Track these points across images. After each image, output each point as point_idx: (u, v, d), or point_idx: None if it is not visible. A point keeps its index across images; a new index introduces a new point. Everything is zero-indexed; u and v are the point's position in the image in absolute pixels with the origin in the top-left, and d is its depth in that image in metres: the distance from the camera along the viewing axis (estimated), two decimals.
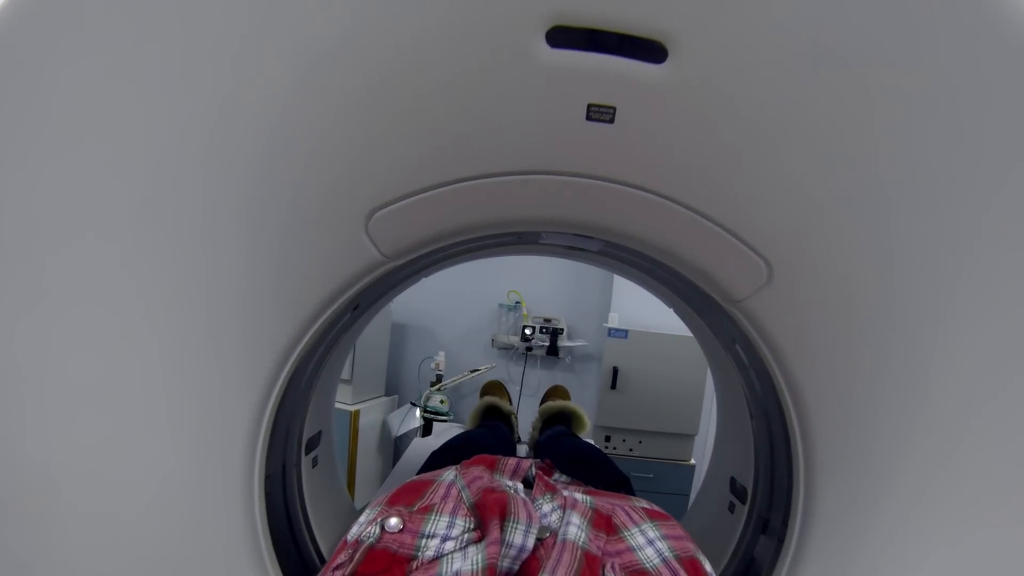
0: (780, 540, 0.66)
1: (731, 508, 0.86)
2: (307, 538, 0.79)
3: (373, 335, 2.33)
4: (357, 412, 2.22)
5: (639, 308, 2.25)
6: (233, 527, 0.56)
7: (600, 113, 0.46)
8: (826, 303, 0.53)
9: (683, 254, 0.56)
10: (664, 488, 2.04)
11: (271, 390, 0.59)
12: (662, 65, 0.43)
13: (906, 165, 0.44)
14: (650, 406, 2.03)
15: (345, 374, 2.22)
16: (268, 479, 0.66)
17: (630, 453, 2.07)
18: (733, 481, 0.87)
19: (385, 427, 2.44)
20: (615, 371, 2.02)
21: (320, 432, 0.85)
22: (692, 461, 2.11)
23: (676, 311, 0.99)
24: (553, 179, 0.50)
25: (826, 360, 0.55)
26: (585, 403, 2.33)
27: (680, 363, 2.01)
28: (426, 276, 0.86)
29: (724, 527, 0.85)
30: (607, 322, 2.24)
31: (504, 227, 0.56)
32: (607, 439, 2.07)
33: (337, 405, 2.23)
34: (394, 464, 2.49)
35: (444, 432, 1.86)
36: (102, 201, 0.44)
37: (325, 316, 0.59)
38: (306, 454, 0.79)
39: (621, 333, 2.04)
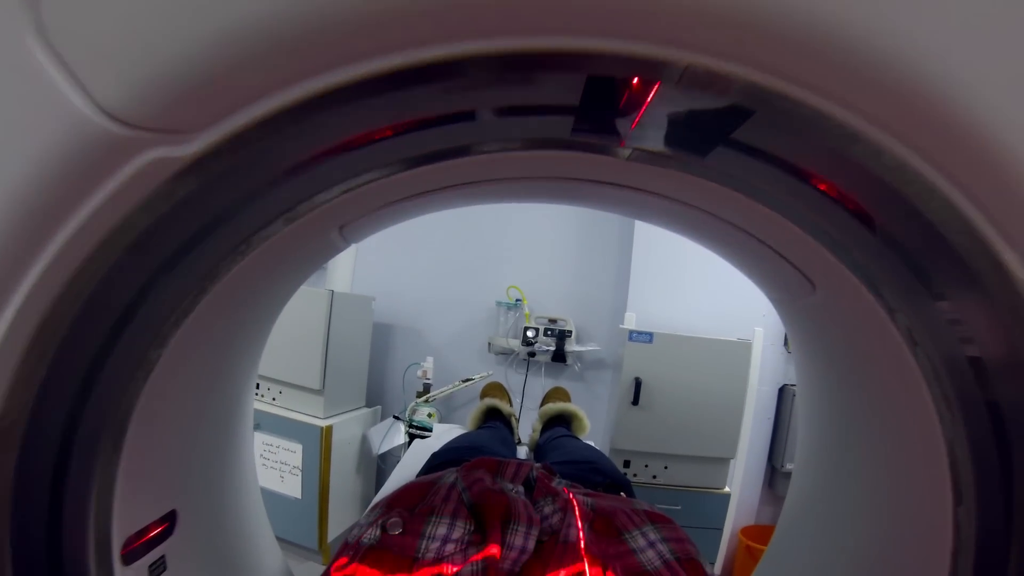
0: None
1: None
2: None
3: (351, 336, 2.00)
4: (330, 428, 1.91)
5: (661, 306, 1.94)
6: None
7: None
8: None
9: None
10: (694, 521, 1.73)
11: None
12: None
13: None
14: (679, 425, 1.69)
15: (315, 383, 1.92)
16: None
17: (653, 480, 1.73)
18: None
19: (365, 443, 2.12)
20: (637, 383, 1.66)
21: (173, 513, 0.50)
22: (727, 489, 1.79)
23: (802, 314, 0.61)
24: None
25: None
26: (598, 418, 2.03)
27: (716, 373, 1.69)
28: (352, 241, 0.50)
29: None
30: (623, 323, 1.90)
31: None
32: (626, 464, 1.72)
33: (306, 419, 1.93)
34: (377, 487, 2.16)
35: (445, 433, 1.68)
36: None
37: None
38: (127, 563, 0.44)
39: (645, 337, 1.69)
